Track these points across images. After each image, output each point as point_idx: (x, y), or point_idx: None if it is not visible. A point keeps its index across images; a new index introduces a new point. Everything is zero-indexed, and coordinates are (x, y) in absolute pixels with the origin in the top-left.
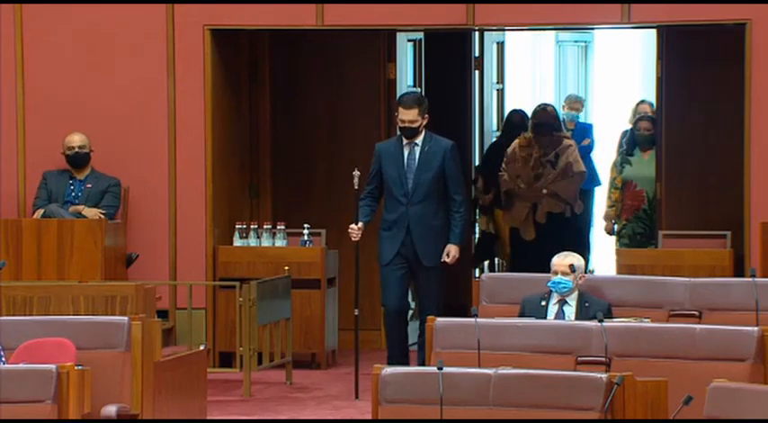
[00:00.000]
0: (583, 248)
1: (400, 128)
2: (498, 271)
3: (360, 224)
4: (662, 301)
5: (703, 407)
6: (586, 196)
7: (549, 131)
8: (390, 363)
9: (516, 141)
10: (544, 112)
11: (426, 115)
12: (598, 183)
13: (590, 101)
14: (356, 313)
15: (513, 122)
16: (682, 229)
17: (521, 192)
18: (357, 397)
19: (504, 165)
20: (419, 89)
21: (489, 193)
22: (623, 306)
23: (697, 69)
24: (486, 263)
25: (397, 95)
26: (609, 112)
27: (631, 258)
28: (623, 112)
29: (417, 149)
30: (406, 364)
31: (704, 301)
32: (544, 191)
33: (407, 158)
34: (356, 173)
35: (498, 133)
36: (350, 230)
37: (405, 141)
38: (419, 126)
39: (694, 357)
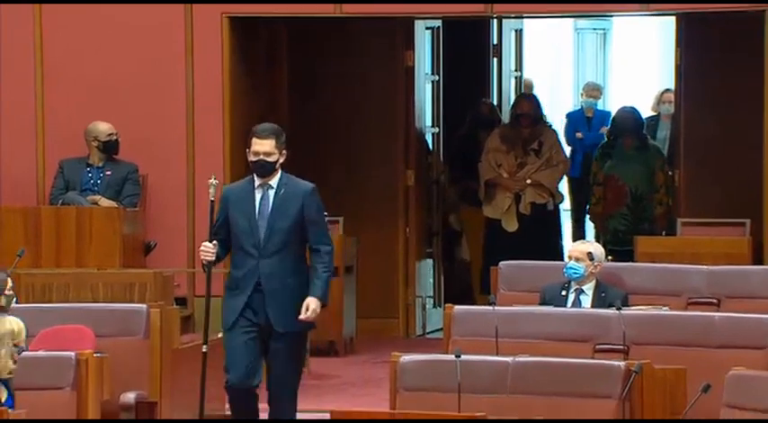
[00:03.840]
0: (561, 240)
1: (252, 163)
2: (461, 271)
3: (214, 241)
4: (680, 289)
5: (722, 395)
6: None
7: (532, 120)
8: None
9: (497, 131)
10: (526, 100)
11: (284, 152)
12: None
13: (609, 88)
14: (204, 350)
15: (482, 113)
16: (700, 217)
17: (503, 182)
18: None
19: (483, 154)
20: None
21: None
22: (641, 294)
23: (716, 56)
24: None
25: (416, 83)
26: (628, 100)
27: (650, 246)
28: (642, 99)
29: (272, 193)
30: None
31: (723, 289)
32: (528, 181)
33: (260, 203)
34: (213, 181)
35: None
36: (202, 248)
37: (257, 183)
38: (276, 162)
39: (713, 345)
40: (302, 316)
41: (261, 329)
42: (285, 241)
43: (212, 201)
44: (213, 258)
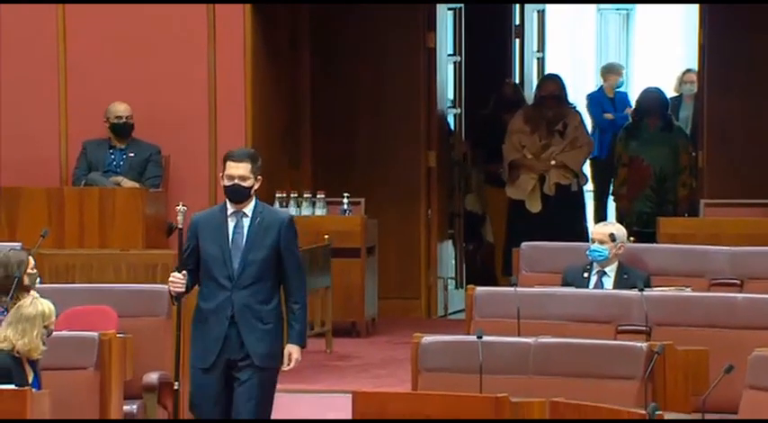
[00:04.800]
0: (586, 222)
1: (226, 187)
2: (484, 252)
3: (184, 272)
4: (703, 270)
5: (744, 376)
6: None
7: (557, 101)
8: None
9: (521, 112)
10: (552, 82)
11: (260, 177)
12: None
13: (632, 69)
14: (176, 387)
15: (505, 94)
16: (723, 198)
17: (527, 163)
18: None
19: (507, 136)
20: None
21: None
22: (664, 275)
23: (739, 37)
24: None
25: (438, 64)
26: (651, 81)
27: (672, 227)
28: (665, 80)
29: (246, 221)
30: None
31: (745, 270)
32: (552, 162)
33: (233, 232)
34: (181, 208)
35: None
36: (171, 278)
37: (230, 210)
38: (251, 187)
39: (735, 326)
40: (285, 367)
41: (230, 365)
42: (260, 273)
43: (179, 228)
44: (183, 290)
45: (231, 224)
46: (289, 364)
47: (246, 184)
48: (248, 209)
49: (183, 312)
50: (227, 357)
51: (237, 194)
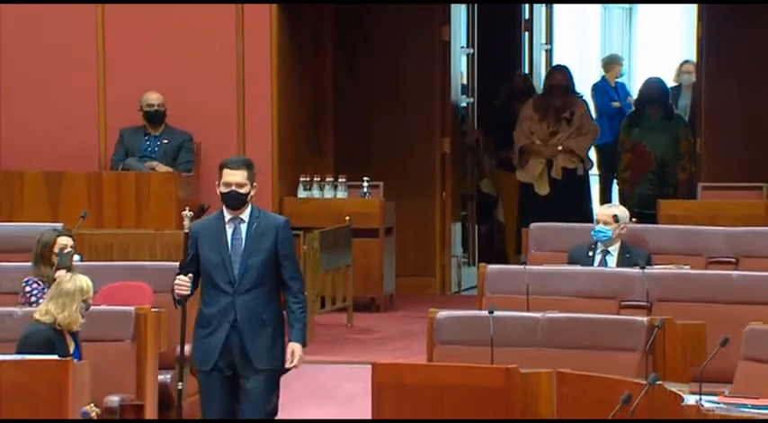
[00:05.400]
0: (591, 204)
1: (223, 195)
2: (495, 232)
3: (190, 275)
4: (701, 249)
5: (739, 348)
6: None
7: (564, 91)
8: None
9: (530, 101)
10: (559, 72)
11: (255, 184)
12: None
13: (634, 61)
14: (180, 387)
15: (516, 86)
16: (719, 182)
17: (536, 148)
18: None
19: (518, 123)
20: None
21: (498, 152)
22: (664, 254)
23: (735, 31)
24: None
25: (452, 56)
26: (652, 71)
27: (672, 209)
28: (666, 70)
29: (244, 227)
30: None
31: (740, 249)
32: (559, 147)
33: (232, 238)
34: (187, 213)
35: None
36: (177, 281)
37: (228, 217)
38: (247, 193)
39: (731, 301)
40: (288, 364)
41: (235, 367)
42: (260, 277)
43: (186, 233)
44: (188, 292)
45: (229, 230)
46: (293, 362)
47: (243, 190)
48: (245, 215)
49: (186, 314)
50: (231, 360)
51: (235, 201)
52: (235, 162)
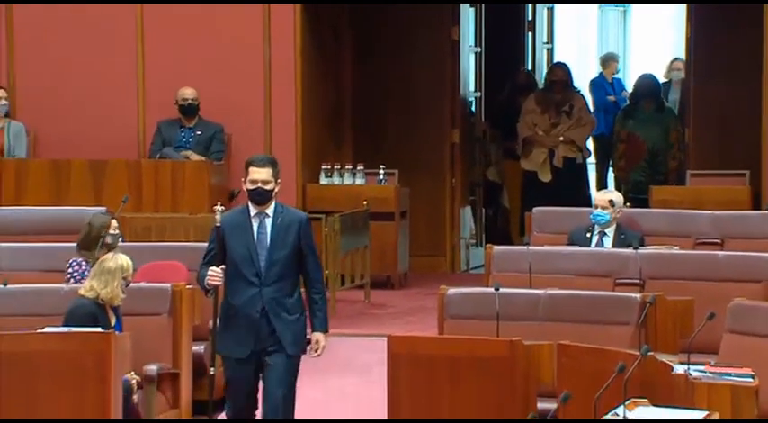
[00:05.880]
0: (590, 190)
1: (250, 191)
2: (501, 216)
3: (222, 266)
4: (689, 232)
5: (724, 322)
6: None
7: (564, 86)
8: None
9: (533, 95)
10: (559, 69)
11: (279, 181)
12: None
13: (629, 58)
14: (212, 372)
15: (520, 82)
16: (706, 169)
17: (539, 139)
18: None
19: (521, 116)
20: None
21: (503, 143)
22: (656, 235)
23: (721, 31)
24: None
25: (461, 54)
26: (645, 68)
27: (663, 194)
28: (658, 67)
29: (269, 222)
30: None
31: (725, 231)
32: (560, 138)
33: (258, 232)
34: (219, 208)
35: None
36: (211, 272)
37: (253, 212)
38: (272, 190)
39: (717, 279)
40: (313, 354)
41: (260, 353)
42: (284, 269)
43: (218, 226)
44: (221, 283)
45: (255, 225)
46: (317, 351)
47: (268, 187)
48: (270, 210)
49: (217, 303)
50: (256, 347)
51: (261, 197)
52: (261, 160)
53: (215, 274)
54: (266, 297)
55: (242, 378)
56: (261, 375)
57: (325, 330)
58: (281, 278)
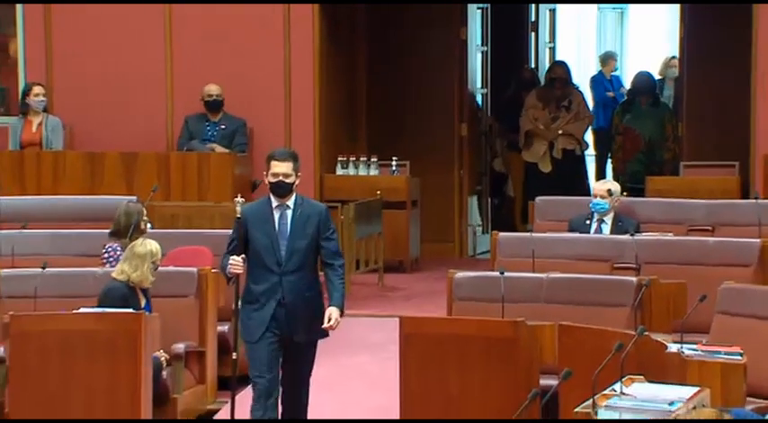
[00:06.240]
0: (588, 180)
1: (271, 184)
2: (506, 205)
3: (243, 256)
4: (682, 219)
5: (715, 303)
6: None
7: (564, 83)
8: None
9: (534, 91)
10: (559, 67)
11: (300, 174)
12: None
13: (626, 57)
14: (234, 357)
15: (525, 78)
16: (699, 160)
17: (540, 132)
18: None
19: (523, 111)
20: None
21: (508, 135)
22: (651, 223)
23: (713, 31)
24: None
25: (469, 53)
26: (641, 66)
27: (658, 184)
28: (653, 65)
29: (289, 213)
30: None
31: (716, 219)
32: (560, 131)
33: (279, 223)
34: (239, 199)
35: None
36: (232, 261)
37: (274, 203)
38: (293, 183)
39: (708, 264)
40: (326, 325)
41: (280, 338)
42: (304, 259)
43: (239, 218)
44: (242, 271)
45: (276, 216)
46: (330, 322)
47: (289, 180)
48: (290, 202)
49: (239, 290)
50: (277, 332)
51: (281, 189)
52: (282, 154)
53: (236, 263)
54: (286, 285)
55: (264, 361)
56: (281, 357)
57: (339, 307)
58: (300, 267)
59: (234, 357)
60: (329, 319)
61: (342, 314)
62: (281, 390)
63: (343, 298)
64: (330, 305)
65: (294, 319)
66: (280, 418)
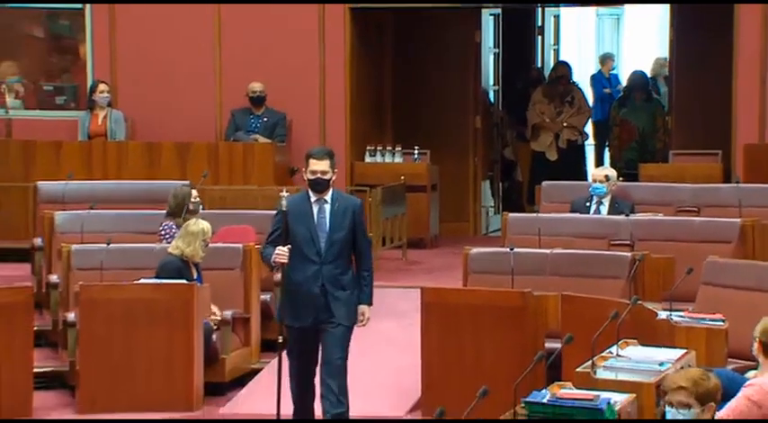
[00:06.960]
0: (586, 167)
1: (310, 181)
2: (515, 188)
3: (288, 246)
4: (671, 201)
5: (700, 276)
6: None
7: (566, 80)
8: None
9: (540, 88)
10: (562, 66)
11: (336, 170)
12: None
13: (622, 57)
14: (280, 340)
15: (532, 76)
16: (686, 149)
17: (546, 124)
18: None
19: (530, 105)
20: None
21: (517, 127)
22: (644, 204)
23: (700, 34)
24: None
25: (482, 54)
26: (636, 65)
27: (650, 170)
28: (647, 65)
29: (327, 207)
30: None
31: (701, 201)
32: (564, 124)
33: (318, 216)
34: (284, 193)
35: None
36: (278, 251)
37: (313, 198)
38: (330, 179)
39: (694, 241)
40: (359, 324)
41: (319, 323)
42: (341, 249)
43: (284, 211)
44: (287, 261)
45: (315, 209)
46: (362, 322)
47: (327, 176)
48: (328, 196)
49: (283, 279)
50: (316, 317)
51: (320, 186)
52: (319, 152)
53: (283, 253)
54: (326, 274)
55: (303, 344)
56: (319, 342)
57: (369, 303)
58: (338, 257)
59: (279, 340)
60: (361, 319)
61: (371, 305)
62: (320, 372)
63: (371, 293)
64: (361, 302)
65: (335, 304)
66: (317, 397)
